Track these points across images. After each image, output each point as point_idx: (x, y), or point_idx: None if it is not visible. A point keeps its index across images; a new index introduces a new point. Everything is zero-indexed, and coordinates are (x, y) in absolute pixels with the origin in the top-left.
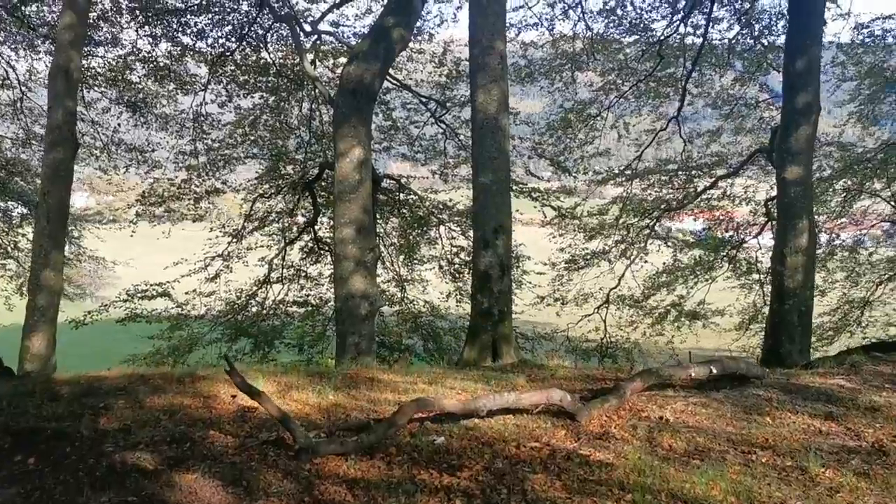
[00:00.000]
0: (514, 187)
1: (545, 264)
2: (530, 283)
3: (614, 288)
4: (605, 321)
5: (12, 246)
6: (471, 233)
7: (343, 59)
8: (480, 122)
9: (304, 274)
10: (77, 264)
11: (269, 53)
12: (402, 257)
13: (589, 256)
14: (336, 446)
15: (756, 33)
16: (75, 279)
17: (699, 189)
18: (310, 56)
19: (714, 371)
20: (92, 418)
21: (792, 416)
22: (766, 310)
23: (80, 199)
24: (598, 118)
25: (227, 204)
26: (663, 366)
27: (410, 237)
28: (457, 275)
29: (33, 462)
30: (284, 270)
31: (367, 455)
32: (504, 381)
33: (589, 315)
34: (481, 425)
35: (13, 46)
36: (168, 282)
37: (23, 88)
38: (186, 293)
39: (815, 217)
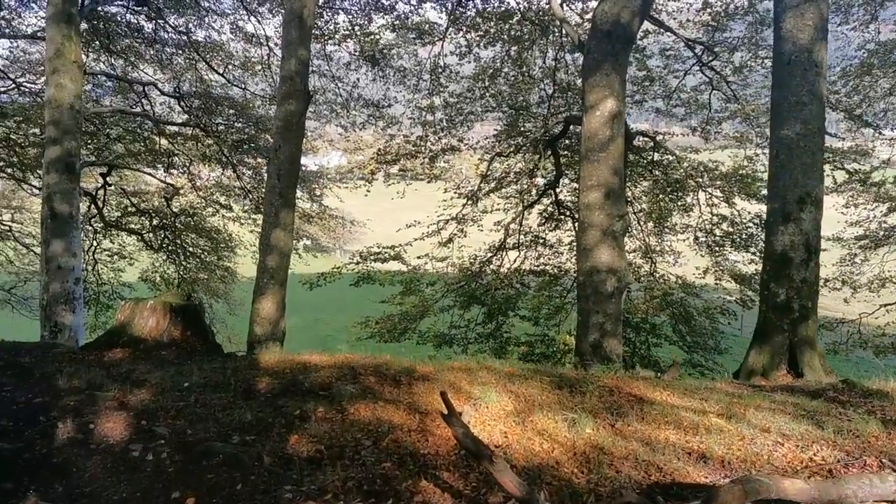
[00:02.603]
0: None
1: (828, 240)
2: None
3: None
4: None
5: (260, 201)
6: (736, 200)
7: (593, 4)
8: (788, 56)
9: (542, 241)
10: (320, 221)
11: None
12: (650, 224)
13: (891, 232)
14: None
15: None
16: (320, 236)
17: None
18: None
19: None
20: (281, 433)
21: None
22: None
23: (334, 159)
24: None
25: (464, 163)
26: None
27: (662, 203)
28: (716, 248)
29: None
30: (521, 236)
31: None
32: (842, 423)
33: (889, 305)
34: None
35: (265, 4)
36: (401, 245)
37: (271, 45)
38: (419, 257)
39: None
